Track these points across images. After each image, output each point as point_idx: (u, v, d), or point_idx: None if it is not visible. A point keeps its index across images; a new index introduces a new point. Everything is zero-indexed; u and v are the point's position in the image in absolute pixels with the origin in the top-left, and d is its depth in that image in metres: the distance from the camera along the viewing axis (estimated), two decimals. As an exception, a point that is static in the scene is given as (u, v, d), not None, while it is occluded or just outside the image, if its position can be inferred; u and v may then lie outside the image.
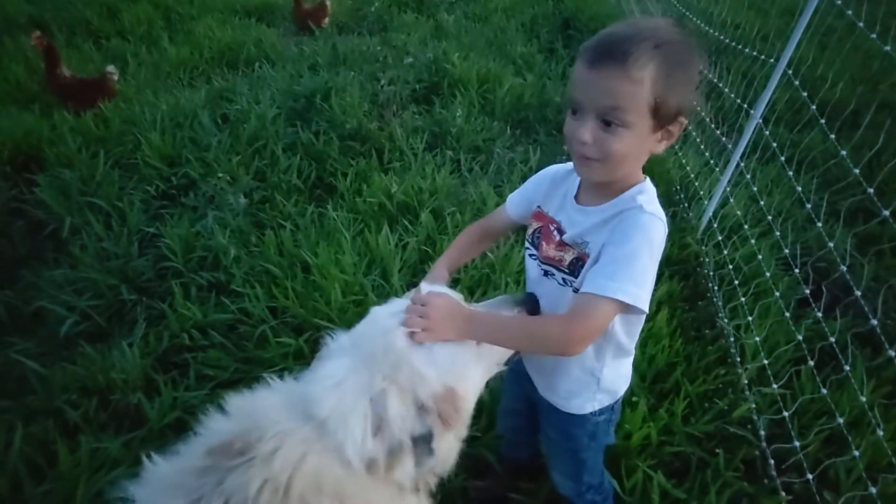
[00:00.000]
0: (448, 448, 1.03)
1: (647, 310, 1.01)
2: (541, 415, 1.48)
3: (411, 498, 1.02)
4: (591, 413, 1.33)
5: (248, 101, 3.97)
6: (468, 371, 1.08)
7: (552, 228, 1.22)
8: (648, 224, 1.04)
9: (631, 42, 0.94)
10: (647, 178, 1.13)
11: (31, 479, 1.76)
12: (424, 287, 1.16)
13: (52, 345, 2.34)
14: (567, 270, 1.16)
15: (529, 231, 1.29)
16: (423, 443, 0.96)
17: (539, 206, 1.28)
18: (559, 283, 1.20)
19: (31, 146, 3.45)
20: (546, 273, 1.23)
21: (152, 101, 3.97)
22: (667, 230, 1.07)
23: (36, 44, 3.72)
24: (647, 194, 1.09)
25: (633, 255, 1.00)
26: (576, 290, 1.14)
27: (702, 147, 3.39)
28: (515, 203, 1.38)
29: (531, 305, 1.25)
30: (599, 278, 1.00)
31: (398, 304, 1.10)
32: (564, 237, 1.17)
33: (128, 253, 2.69)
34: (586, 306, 1.00)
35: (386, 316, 1.07)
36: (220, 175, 3.20)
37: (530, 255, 1.29)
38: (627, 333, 1.22)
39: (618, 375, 1.31)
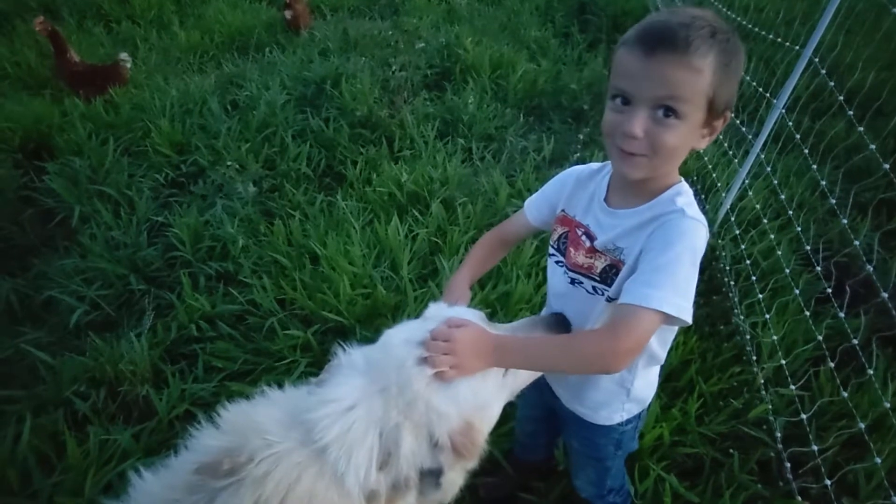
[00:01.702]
0: (454, 479, 0.99)
1: (690, 321, 0.95)
2: (563, 425, 1.44)
3: None
4: (619, 423, 1.29)
5: (258, 87, 3.93)
6: (489, 403, 1.03)
7: (580, 233, 1.14)
8: (691, 230, 0.97)
9: (690, 29, 0.88)
10: (683, 180, 1.06)
11: (40, 470, 1.77)
12: (441, 310, 1.09)
13: (61, 334, 2.35)
14: (598, 278, 1.10)
15: (554, 237, 1.22)
16: (431, 477, 0.93)
17: (564, 210, 1.21)
18: (588, 292, 1.13)
19: (41, 133, 3.44)
20: (573, 281, 1.16)
21: (162, 87, 3.95)
22: (708, 235, 1.01)
23: (40, 29, 3.69)
24: (685, 196, 1.02)
25: (675, 263, 0.94)
26: (609, 300, 1.08)
27: (720, 136, 3.29)
28: (536, 207, 1.30)
29: (561, 326, 1.18)
30: (641, 287, 0.93)
31: (412, 329, 1.04)
32: (596, 243, 1.10)
33: (137, 242, 2.68)
34: (628, 319, 0.92)
35: (400, 343, 1.01)
36: (230, 163, 3.17)
37: (556, 262, 1.22)
38: (661, 342, 1.17)
39: (647, 384, 1.26)
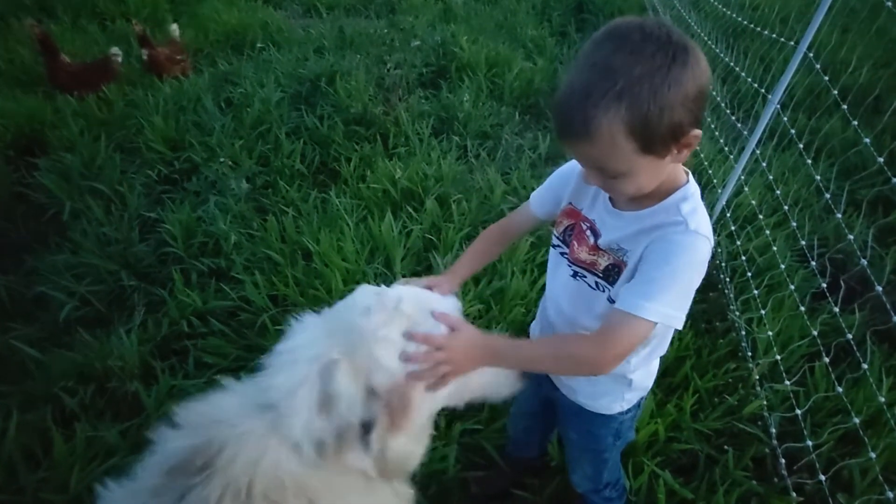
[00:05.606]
0: (402, 449, 0.96)
1: (681, 327, 0.96)
2: (561, 417, 1.43)
3: (384, 487, 0.97)
4: (619, 413, 1.28)
5: (253, 84, 3.91)
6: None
7: (585, 227, 1.13)
8: (692, 245, 0.94)
9: (587, 103, 0.83)
10: (691, 179, 1.02)
11: (25, 466, 1.74)
12: (409, 291, 1.08)
13: (52, 330, 2.32)
14: (601, 275, 1.09)
15: (560, 228, 1.20)
16: (363, 430, 0.91)
17: (571, 203, 1.19)
18: (590, 287, 1.12)
19: (34, 129, 3.42)
20: (576, 275, 1.15)
21: (156, 84, 3.93)
22: (712, 243, 0.98)
23: (34, 35, 3.66)
24: (690, 201, 0.98)
25: (672, 277, 0.92)
26: (611, 300, 1.07)
27: (716, 133, 3.28)
28: (541, 201, 1.28)
29: None
30: (634, 297, 0.93)
31: (372, 288, 1.04)
32: (599, 241, 1.08)
33: (128, 238, 2.66)
34: (617, 327, 0.94)
35: (359, 296, 1.01)
36: (223, 160, 3.15)
37: (560, 253, 1.20)
38: (662, 337, 1.18)
39: (648, 374, 1.26)
